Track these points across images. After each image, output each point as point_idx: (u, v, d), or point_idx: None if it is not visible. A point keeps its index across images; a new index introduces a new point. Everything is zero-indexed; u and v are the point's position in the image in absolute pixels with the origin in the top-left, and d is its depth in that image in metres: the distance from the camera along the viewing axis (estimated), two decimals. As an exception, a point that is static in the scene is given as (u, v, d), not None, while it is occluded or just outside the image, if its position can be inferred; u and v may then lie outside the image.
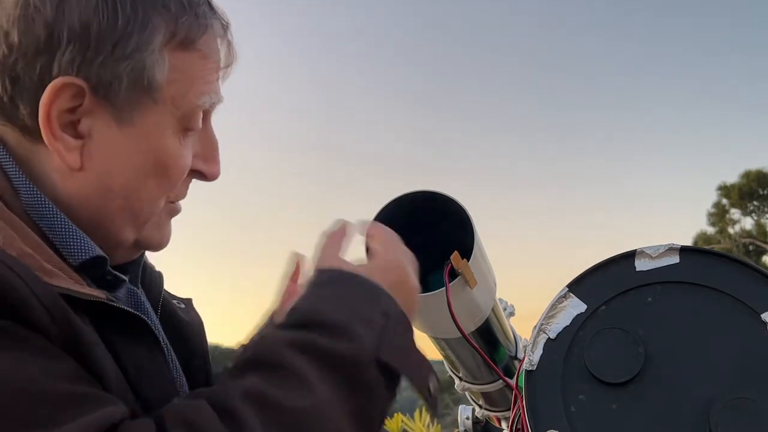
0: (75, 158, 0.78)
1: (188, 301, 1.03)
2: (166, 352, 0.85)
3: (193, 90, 0.82)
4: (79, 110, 0.78)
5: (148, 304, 0.92)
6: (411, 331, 0.79)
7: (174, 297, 1.01)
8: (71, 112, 0.78)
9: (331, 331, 0.71)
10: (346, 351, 0.70)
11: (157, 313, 0.94)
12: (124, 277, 0.86)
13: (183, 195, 0.90)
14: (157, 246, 0.91)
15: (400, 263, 0.85)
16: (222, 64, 0.88)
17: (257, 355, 0.71)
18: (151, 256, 1.02)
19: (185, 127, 0.84)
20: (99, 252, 0.81)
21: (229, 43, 0.89)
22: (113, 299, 0.78)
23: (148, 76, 0.78)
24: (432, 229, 1.05)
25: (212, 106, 0.87)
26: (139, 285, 0.94)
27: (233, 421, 0.64)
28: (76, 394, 0.64)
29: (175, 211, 0.91)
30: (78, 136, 0.79)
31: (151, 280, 0.96)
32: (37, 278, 0.68)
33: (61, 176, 0.80)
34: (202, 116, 0.85)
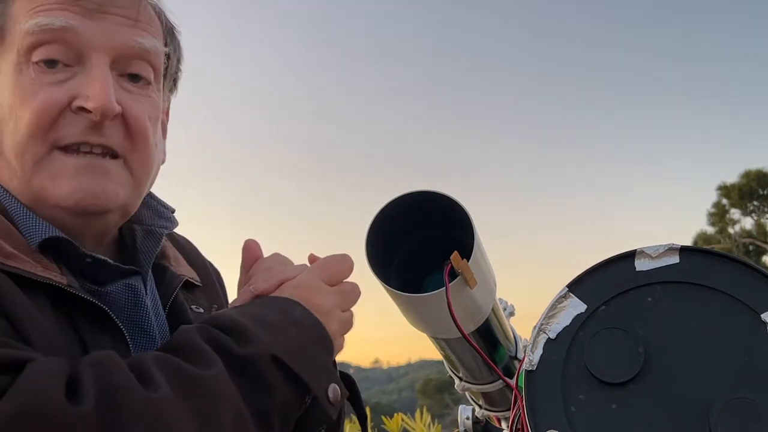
0: None
1: (210, 308, 1.06)
2: (130, 343, 0.87)
3: (22, 20, 0.87)
4: None
5: (152, 300, 0.95)
6: (320, 341, 0.85)
7: (195, 303, 1.04)
8: None
9: (233, 334, 0.78)
10: (241, 351, 0.77)
11: (165, 310, 0.97)
12: (103, 257, 0.88)
13: (73, 135, 0.87)
14: (66, 201, 0.86)
15: (310, 281, 0.90)
16: None
17: (169, 341, 0.79)
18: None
19: (36, 62, 0.86)
20: (55, 233, 0.84)
21: None
22: (74, 286, 0.82)
23: None
24: (432, 229, 1.05)
25: (46, 27, 0.85)
26: (148, 282, 0.96)
27: (140, 372, 0.70)
28: None
29: (78, 165, 0.87)
30: None
31: (169, 281, 0.99)
32: None
33: None
34: (50, 48, 0.86)
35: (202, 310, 1.03)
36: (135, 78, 0.91)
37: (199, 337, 0.77)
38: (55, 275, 0.81)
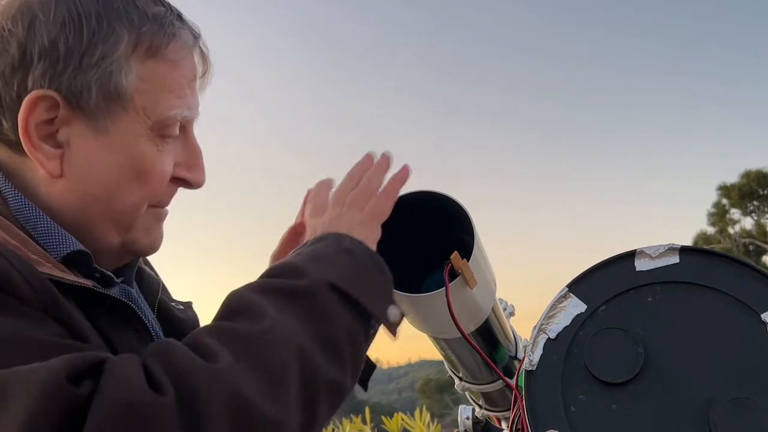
0: (55, 166, 0.84)
1: (188, 304, 1.08)
2: (155, 337, 0.90)
3: (165, 103, 0.86)
4: (56, 121, 0.83)
5: (142, 302, 0.97)
6: (374, 265, 0.86)
7: (174, 300, 1.06)
8: (49, 124, 0.83)
9: (285, 273, 0.80)
10: (296, 284, 0.78)
11: (153, 312, 0.98)
12: (111, 274, 0.90)
13: (167, 200, 0.94)
14: (148, 250, 0.94)
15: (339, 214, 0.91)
16: (196, 74, 0.91)
17: (222, 306, 0.79)
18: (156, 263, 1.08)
19: (161, 135, 0.87)
20: (80, 247, 0.86)
21: (202, 53, 0.93)
22: (99, 287, 0.83)
23: (116, 84, 0.83)
24: (432, 229, 1.05)
25: (186, 120, 0.90)
26: (134, 287, 0.98)
27: (200, 349, 0.70)
28: (61, 343, 0.70)
29: (162, 216, 0.94)
30: (58, 145, 0.84)
31: (149, 284, 1.01)
32: (22, 259, 0.74)
33: (46, 184, 0.86)
34: (178, 126, 0.89)
35: (182, 306, 1.05)
36: None
37: (250, 292, 0.78)
38: (80, 279, 0.82)
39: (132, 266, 0.97)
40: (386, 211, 0.93)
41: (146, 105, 0.85)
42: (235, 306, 0.77)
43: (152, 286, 1.01)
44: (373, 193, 0.93)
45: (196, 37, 0.91)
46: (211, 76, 0.95)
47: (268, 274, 0.81)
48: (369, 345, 0.85)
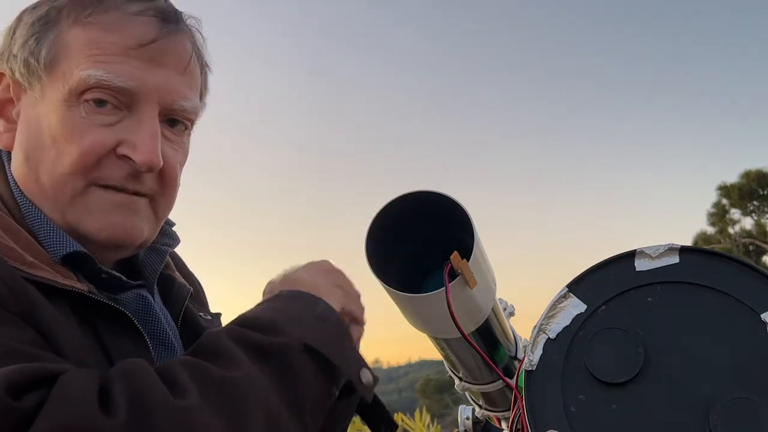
0: (8, 139, 0.90)
1: (216, 315, 1.10)
2: (151, 347, 0.89)
3: (81, 65, 0.86)
4: (15, 99, 0.90)
5: (161, 311, 0.97)
6: (345, 333, 0.87)
7: (203, 310, 1.07)
8: (12, 103, 0.91)
9: (263, 329, 0.80)
10: (272, 341, 0.78)
11: (178, 321, 0.99)
12: (118, 275, 0.90)
13: (115, 178, 0.88)
14: (98, 236, 0.88)
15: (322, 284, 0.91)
16: (141, 42, 0.87)
17: (197, 345, 0.79)
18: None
19: (83, 100, 0.86)
20: (77, 248, 0.86)
21: (150, 20, 0.89)
22: (94, 293, 0.83)
23: (40, 51, 0.88)
24: (432, 229, 1.05)
25: (102, 83, 0.85)
26: (155, 293, 0.98)
27: (169, 379, 0.70)
28: (19, 350, 0.69)
29: (118, 201, 0.89)
30: (13, 121, 0.90)
31: (178, 293, 1.02)
32: (2, 261, 0.76)
33: (14, 164, 0.91)
34: (102, 92, 0.86)
35: (210, 317, 1.05)
36: (173, 123, 0.94)
37: (227, 338, 0.78)
38: (75, 283, 0.82)
39: (153, 270, 0.98)
40: (359, 319, 0.94)
41: (66, 70, 0.87)
42: (212, 348, 0.77)
43: (180, 295, 1.01)
44: (357, 299, 0.94)
45: (145, 6, 0.89)
46: (170, 43, 0.90)
47: (246, 324, 0.81)
48: (335, 405, 0.85)
